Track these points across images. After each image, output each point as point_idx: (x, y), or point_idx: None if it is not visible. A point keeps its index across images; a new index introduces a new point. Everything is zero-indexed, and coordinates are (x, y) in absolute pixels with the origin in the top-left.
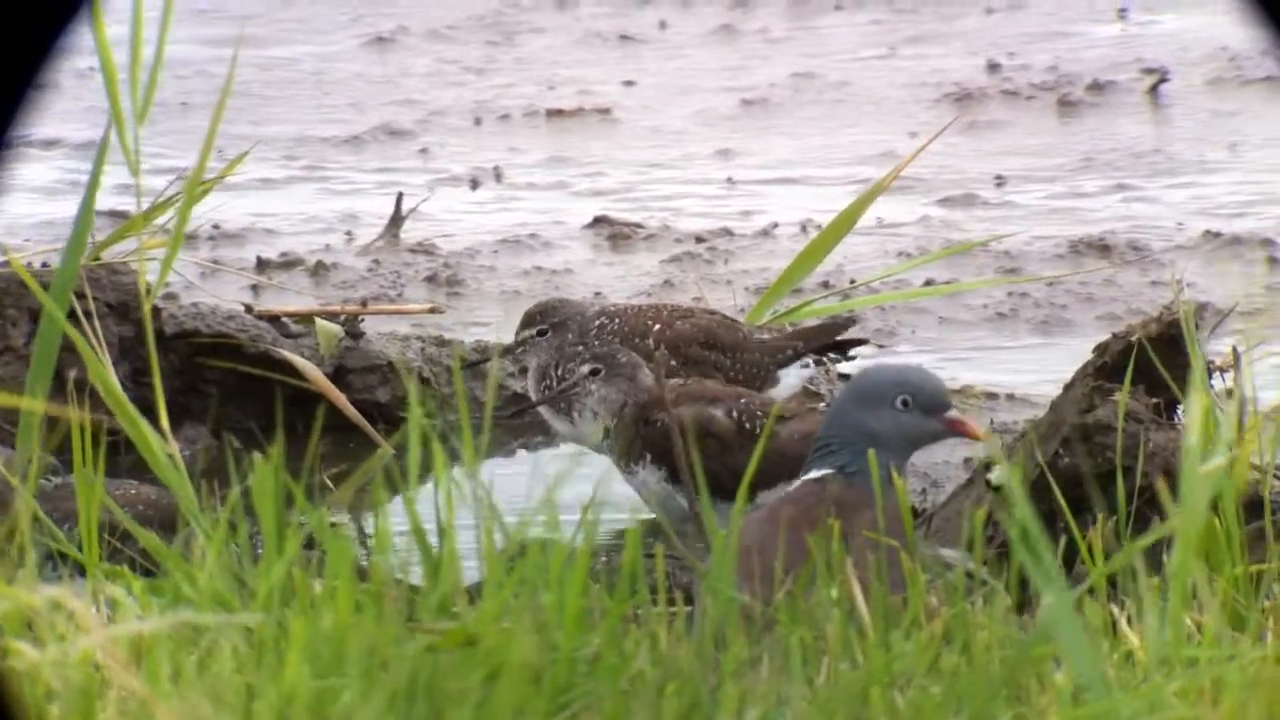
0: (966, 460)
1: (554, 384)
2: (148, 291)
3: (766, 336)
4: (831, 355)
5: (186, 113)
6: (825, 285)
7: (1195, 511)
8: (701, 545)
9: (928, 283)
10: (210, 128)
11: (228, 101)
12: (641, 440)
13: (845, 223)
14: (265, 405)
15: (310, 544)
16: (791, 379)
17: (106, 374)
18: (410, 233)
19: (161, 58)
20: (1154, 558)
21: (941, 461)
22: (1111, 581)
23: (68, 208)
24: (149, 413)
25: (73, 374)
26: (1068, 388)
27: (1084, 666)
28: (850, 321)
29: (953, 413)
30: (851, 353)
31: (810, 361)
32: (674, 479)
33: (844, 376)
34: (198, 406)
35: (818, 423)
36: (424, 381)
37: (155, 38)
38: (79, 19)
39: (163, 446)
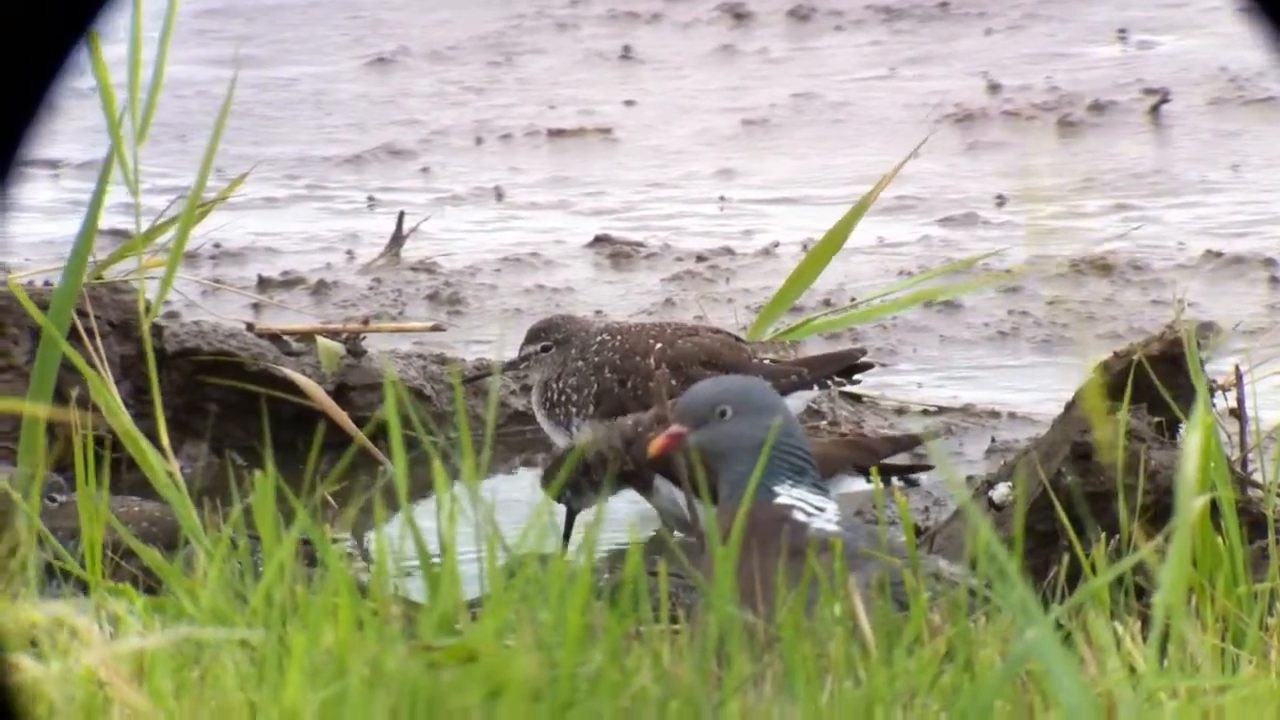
0: (968, 478)
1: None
2: (147, 310)
3: (772, 360)
4: (835, 378)
5: (189, 133)
6: (827, 304)
7: (1187, 538)
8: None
9: (927, 300)
10: (209, 148)
11: (227, 122)
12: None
13: (836, 239)
14: (267, 423)
15: (312, 561)
16: (794, 402)
17: (108, 392)
18: (411, 251)
19: (161, 79)
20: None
21: (943, 480)
22: (1140, 593)
23: (68, 227)
24: (152, 430)
25: (75, 392)
26: (1069, 406)
27: (1071, 695)
28: (860, 353)
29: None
30: (855, 375)
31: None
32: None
33: (846, 396)
34: (199, 424)
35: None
36: (425, 399)
37: (154, 58)
38: (91, 34)
39: (163, 465)
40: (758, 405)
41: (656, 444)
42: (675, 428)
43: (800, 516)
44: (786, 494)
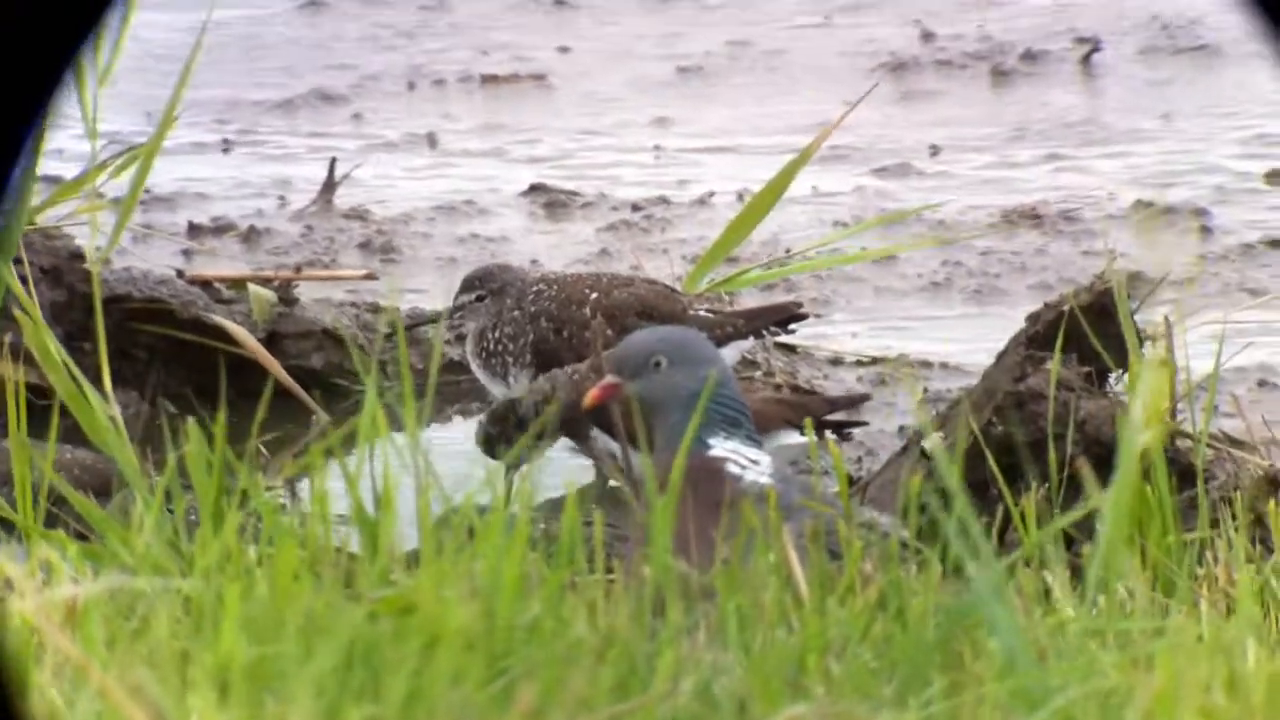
0: (901, 429)
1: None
2: (76, 257)
3: (708, 311)
4: (771, 328)
5: (119, 78)
6: (766, 256)
7: (1129, 482)
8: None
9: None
10: (174, 95)
11: (181, 66)
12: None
13: (774, 191)
14: (198, 372)
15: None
16: (729, 353)
17: (49, 338)
18: (344, 198)
19: (130, 19)
20: (1086, 525)
21: (877, 430)
22: (1070, 542)
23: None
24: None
25: (7, 339)
26: (1000, 356)
27: (1010, 640)
28: (796, 305)
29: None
30: (791, 326)
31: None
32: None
33: (781, 347)
34: (130, 372)
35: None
36: (358, 348)
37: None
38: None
39: (104, 409)
40: (693, 356)
41: (591, 395)
42: (610, 378)
43: (734, 469)
44: (720, 446)
